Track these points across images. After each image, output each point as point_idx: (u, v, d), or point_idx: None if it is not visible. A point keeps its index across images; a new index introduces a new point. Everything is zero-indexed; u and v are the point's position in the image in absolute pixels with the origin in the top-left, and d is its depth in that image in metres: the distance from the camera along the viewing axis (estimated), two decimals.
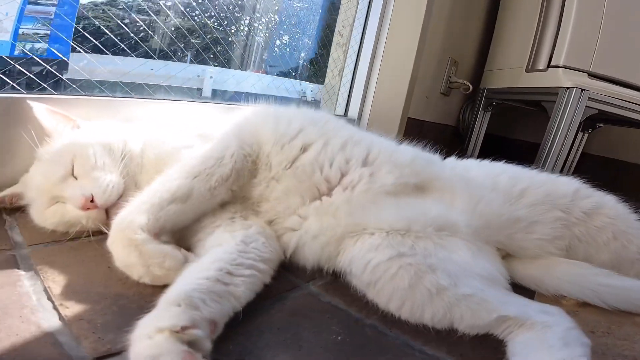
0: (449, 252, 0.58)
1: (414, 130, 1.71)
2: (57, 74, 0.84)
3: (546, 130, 1.62)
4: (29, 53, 0.83)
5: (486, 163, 0.82)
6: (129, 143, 0.67)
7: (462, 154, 2.25)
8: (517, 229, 0.68)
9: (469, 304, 0.51)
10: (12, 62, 0.77)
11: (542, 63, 1.73)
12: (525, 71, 1.82)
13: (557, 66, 1.65)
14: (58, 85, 0.85)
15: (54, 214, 0.61)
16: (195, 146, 0.66)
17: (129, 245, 0.50)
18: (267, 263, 0.56)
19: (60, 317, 0.45)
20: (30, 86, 0.79)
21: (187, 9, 1.23)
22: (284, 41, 1.72)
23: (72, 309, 0.46)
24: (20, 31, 0.86)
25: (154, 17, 1.12)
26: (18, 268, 0.53)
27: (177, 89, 1.18)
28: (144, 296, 0.50)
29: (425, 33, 1.52)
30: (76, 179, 0.61)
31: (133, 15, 1.06)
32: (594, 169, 2.41)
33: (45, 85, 0.80)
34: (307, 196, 0.65)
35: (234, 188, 0.64)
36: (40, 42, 0.88)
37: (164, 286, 0.48)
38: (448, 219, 0.62)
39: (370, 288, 0.56)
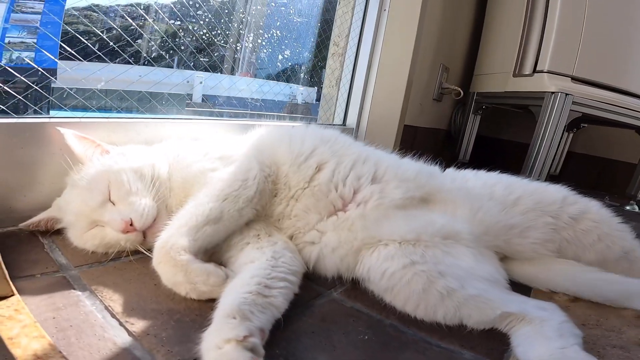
0: (455, 258, 0.65)
1: (409, 136, 1.79)
2: (50, 78, 0.83)
3: (534, 133, 1.71)
4: (17, 62, 0.83)
5: (482, 173, 0.89)
6: (156, 167, 0.72)
7: (455, 156, 2.34)
8: (512, 234, 0.76)
9: (475, 303, 0.58)
10: None
11: (528, 68, 1.82)
12: (513, 76, 1.90)
13: (542, 71, 1.73)
14: (48, 94, 0.84)
15: (94, 237, 0.66)
16: (218, 169, 0.72)
17: (174, 266, 0.56)
18: (295, 275, 0.62)
19: (130, 333, 0.50)
20: (19, 94, 0.78)
21: (177, 15, 1.23)
22: (274, 45, 1.76)
23: (136, 325, 0.51)
24: (6, 40, 0.86)
25: (142, 22, 1.12)
26: (73, 289, 0.57)
27: (166, 95, 1.18)
28: (193, 310, 0.56)
29: (419, 42, 1.59)
30: (113, 204, 0.66)
31: (120, 21, 1.05)
32: (580, 166, 2.52)
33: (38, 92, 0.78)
34: (324, 213, 0.72)
35: (258, 207, 0.70)
36: (28, 51, 0.88)
37: (209, 300, 0.55)
38: (452, 229, 0.69)
39: (387, 293, 0.63)
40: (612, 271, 0.77)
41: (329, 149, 0.79)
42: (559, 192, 0.82)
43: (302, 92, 1.86)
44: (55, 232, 0.73)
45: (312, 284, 0.70)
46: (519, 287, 0.75)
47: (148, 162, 0.72)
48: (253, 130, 0.88)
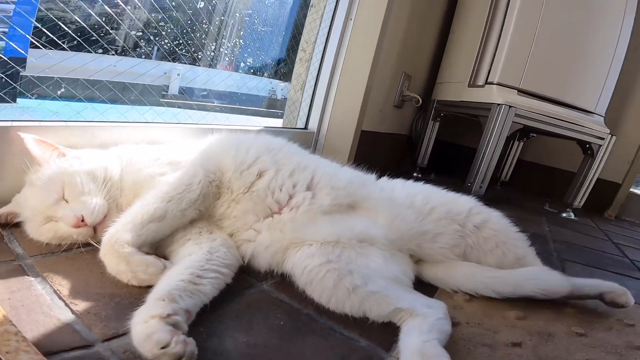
0: (366, 259, 0.76)
1: (368, 141, 1.90)
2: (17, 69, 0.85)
3: (480, 141, 1.85)
4: None
5: (409, 184, 1.00)
6: (109, 169, 0.80)
7: (414, 160, 2.47)
8: (424, 239, 0.88)
9: (375, 299, 0.68)
10: None
11: (481, 79, 1.96)
12: (468, 86, 2.03)
13: (492, 83, 1.88)
14: (16, 83, 0.87)
15: (49, 231, 0.73)
16: (167, 173, 0.81)
17: (118, 257, 0.65)
18: (228, 268, 0.72)
19: (73, 312, 0.58)
20: None
21: (155, 6, 1.24)
22: (255, 40, 1.80)
23: (80, 305, 0.60)
24: None
25: (118, 12, 1.12)
26: (27, 275, 0.65)
27: (142, 86, 1.19)
28: (133, 294, 0.64)
29: (380, 51, 1.70)
30: (67, 202, 0.74)
31: (97, 9, 1.05)
32: (529, 174, 2.73)
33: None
34: (261, 215, 0.82)
35: (201, 209, 0.79)
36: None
37: (148, 286, 0.63)
38: (369, 233, 0.81)
39: (307, 286, 0.73)
40: None
41: (271, 157, 0.88)
42: (467, 203, 0.95)
43: (282, 88, 1.91)
44: (13, 225, 0.79)
45: (247, 276, 0.80)
46: (427, 287, 0.87)
47: (101, 165, 0.79)
48: (206, 137, 0.96)
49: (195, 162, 0.82)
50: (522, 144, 2.67)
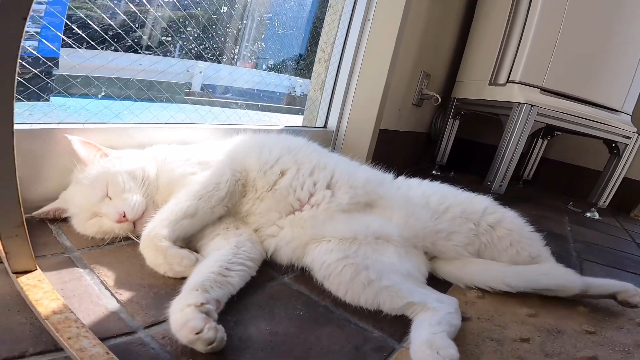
0: (381, 255, 0.81)
1: (387, 140, 1.93)
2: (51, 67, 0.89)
3: (500, 140, 1.84)
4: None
5: (425, 183, 1.03)
6: (146, 169, 0.88)
7: (433, 158, 2.47)
8: (438, 237, 0.91)
9: (388, 293, 0.73)
10: None
11: (502, 78, 1.94)
12: (488, 85, 2.02)
13: (514, 82, 1.86)
14: (51, 82, 0.91)
15: (93, 225, 0.82)
16: (197, 173, 0.87)
17: (156, 250, 0.72)
18: (253, 261, 0.78)
19: (118, 301, 0.65)
20: (22, 84, 0.84)
21: (177, 5, 1.27)
22: (274, 39, 1.85)
23: (124, 295, 0.67)
24: None
25: (143, 10, 1.16)
26: (76, 267, 0.73)
27: (166, 84, 1.23)
28: (169, 285, 0.72)
29: (398, 51, 1.71)
30: (110, 199, 0.82)
31: (122, 8, 1.09)
32: (552, 172, 2.67)
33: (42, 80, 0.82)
34: (283, 212, 0.88)
35: (228, 206, 0.86)
36: (31, 40, 0.92)
37: (182, 278, 0.70)
38: (384, 231, 0.85)
39: (325, 280, 0.79)
40: None
41: (292, 157, 0.94)
42: (482, 202, 0.97)
43: (300, 85, 1.96)
44: (61, 220, 0.88)
45: (269, 270, 0.86)
46: (441, 284, 0.90)
47: (140, 165, 0.87)
48: (232, 138, 1.03)
49: (223, 162, 0.88)
50: (546, 142, 2.61)
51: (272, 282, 0.82)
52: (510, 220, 0.95)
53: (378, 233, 0.84)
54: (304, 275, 0.86)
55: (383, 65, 1.70)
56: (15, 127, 0.53)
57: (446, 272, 0.94)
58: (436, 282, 0.90)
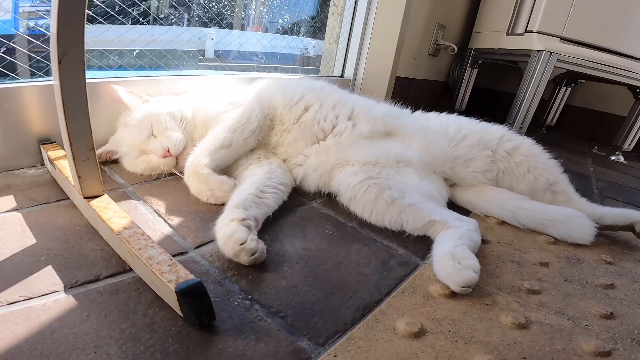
0: (402, 176, 0.86)
1: (404, 86, 1.95)
2: None
3: (519, 86, 1.83)
4: (35, 29, 0.89)
5: (443, 115, 1.06)
6: (183, 110, 0.95)
7: (452, 105, 2.48)
8: (457, 163, 0.95)
9: (411, 211, 0.78)
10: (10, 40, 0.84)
11: (520, 28, 1.89)
12: (506, 35, 1.98)
13: (532, 31, 1.81)
14: None
15: (142, 162, 0.90)
16: (229, 111, 0.94)
17: (198, 178, 0.80)
18: (285, 185, 0.86)
19: (170, 226, 0.73)
20: (41, 61, 0.88)
21: None
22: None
23: (175, 220, 0.75)
24: (20, 9, 0.93)
25: None
26: (132, 199, 0.81)
27: (179, 52, 1.26)
28: (212, 211, 0.79)
29: (411, 2, 1.71)
30: (155, 137, 0.90)
31: None
32: (576, 118, 2.62)
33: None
34: (309, 141, 0.94)
35: (259, 138, 0.93)
36: (44, 18, 0.95)
37: (222, 205, 0.75)
38: (404, 155, 0.90)
39: (350, 202, 0.85)
40: (540, 201, 0.93)
41: (315, 95, 0.99)
42: (498, 130, 1.00)
43: (313, 45, 1.96)
44: (112, 162, 0.97)
45: (298, 196, 0.94)
46: (460, 211, 0.94)
47: (177, 107, 0.94)
48: (256, 82, 1.08)
49: (252, 101, 0.95)
50: (569, 89, 2.54)
51: (302, 206, 0.90)
52: (528, 146, 0.97)
53: (399, 157, 0.89)
54: (330, 200, 0.94)
55: (397, 16, 1.70)
56: None
57: (464, 199, 0.98)
58: (455, 208, 0.95)
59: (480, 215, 0.96)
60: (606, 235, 0.92)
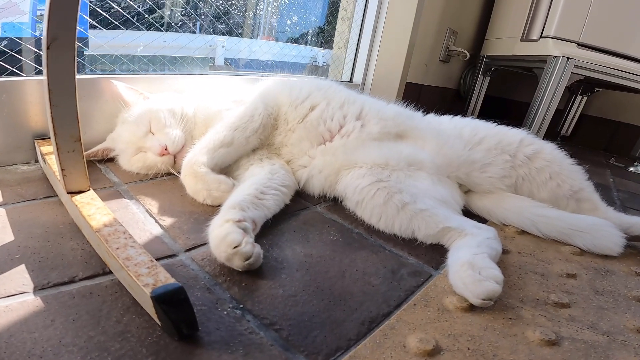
0: (414, 180, 0.80)
1: (414, 93, 1.90)
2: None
3: (535, 93, 1.77)
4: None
5: (457, 118, 1.01)
6: (184, 107, 0.91)
7: (463, 113, 2.43)
8: (473, 168, 0.89)
9: (423, 217, 0.71)
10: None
11: (535, 34, 1.84)
12: (520, 40, 1.93)
13: (547, 37, 1.76)
14: (82, 61, 0.96)
15: (138, 161, 0.86)
16: (232, 109, 0.90)
17: (195, 177, 0.75)
18: (287, 187, 0.80)
19: (161, 227, 0.68)
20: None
21: None
22: (294, 9, 1.84)
23: (166, 221, 0.70)
24: (38, 12, 0.92)
25: None
26: (124, 198, 0.77)
27: (190, 59, 1.26)
28: (207, 212, 0.74)
29: (421, 8, 1.67)
30: (153, 134, 0.85)
31: None
32: (592, 128, 2.54)
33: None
34: (314, 142, 0.89)
35: (261, 137, 0.88)
36: None
37: (219, 206, 0.70)
38: (416, 157, 0.84)
39: (357, 206, 0.79)
40: (562, 210, 0.86)
41: (322, 94, 0.94)
42: (518, 134, 0.93)
43: (322, 54, 1.94)
44: (108, 161, 0.93)
45: (302, 200, 0.88)
46: (476, 219, 0.85)
47: (178, 104, 0.90)
48: (261, 81, 1.04)
49: (256, 98, 0.90)
50: (585, 98, 2.47)
51: (305, 210, 0.84)
52: (549, 151, 0.91)
53: (411, 159, 0.83)
54: (336, 204, 0.88)
55: (407, 21, 1.66)
56: None
57: (480, 207, 0.91)
58: (470, 216, 0.87)
59: (497, 223, 0.90)
60: (633, 246, 0.85)
